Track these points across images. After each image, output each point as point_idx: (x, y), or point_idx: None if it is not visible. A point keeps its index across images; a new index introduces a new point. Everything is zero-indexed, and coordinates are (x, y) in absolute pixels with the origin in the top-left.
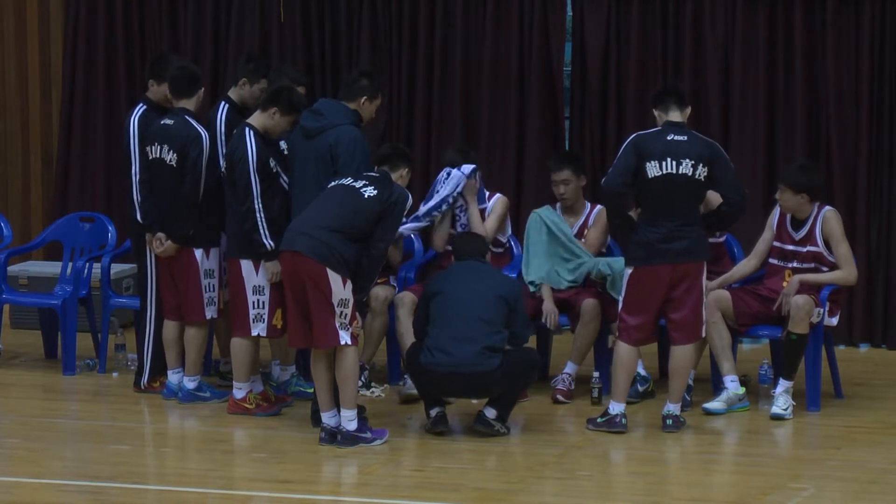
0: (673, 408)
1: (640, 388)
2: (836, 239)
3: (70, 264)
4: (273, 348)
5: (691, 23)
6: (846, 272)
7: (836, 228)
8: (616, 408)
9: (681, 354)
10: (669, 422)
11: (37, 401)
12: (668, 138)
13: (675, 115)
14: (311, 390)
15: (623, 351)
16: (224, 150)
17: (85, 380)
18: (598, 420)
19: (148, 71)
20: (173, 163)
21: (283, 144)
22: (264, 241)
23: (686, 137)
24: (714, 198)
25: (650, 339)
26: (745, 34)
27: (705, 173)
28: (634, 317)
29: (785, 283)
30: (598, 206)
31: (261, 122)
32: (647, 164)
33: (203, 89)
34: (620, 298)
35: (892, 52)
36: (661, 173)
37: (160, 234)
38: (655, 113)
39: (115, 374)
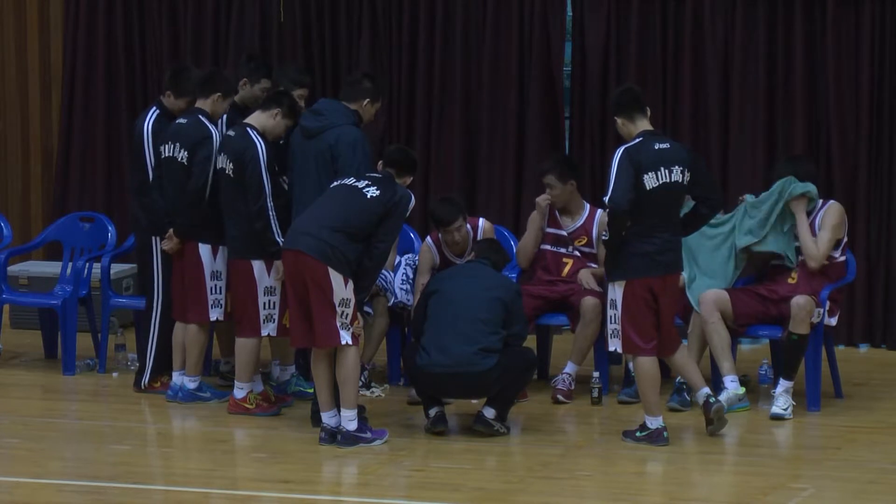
0: (705, 391)
1: (638, 390)
2: (825, 225)
3: (70, 264)
4: (273, 348)
5: (691, 23)
6: (814, 253)
7: (831, 218)
8: (655, 422)
9: (678, 360)
10: (712, 399)
11: (37, 401)
12: (656, 147)
13: (646, 123)
14: (311, 390)
15: (646, 364)
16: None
17: (85, 380)
18: (638, 434)
19: (167, 81)
20: (184, 160)
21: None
22: (277, 238)
23: (669, 144)
24: None
25: (657, 342)
26: (745, 34)
27: (688, 177)
28: (642, 329)
29: (791, 280)
30: (600, 211)
31: (260, 122)
32: (645, 175)
33: (219, 94)
34: (616, 314)
35: (892, 52)
36: (658, 184)
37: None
38: (619, 121)
39: (115, 374)
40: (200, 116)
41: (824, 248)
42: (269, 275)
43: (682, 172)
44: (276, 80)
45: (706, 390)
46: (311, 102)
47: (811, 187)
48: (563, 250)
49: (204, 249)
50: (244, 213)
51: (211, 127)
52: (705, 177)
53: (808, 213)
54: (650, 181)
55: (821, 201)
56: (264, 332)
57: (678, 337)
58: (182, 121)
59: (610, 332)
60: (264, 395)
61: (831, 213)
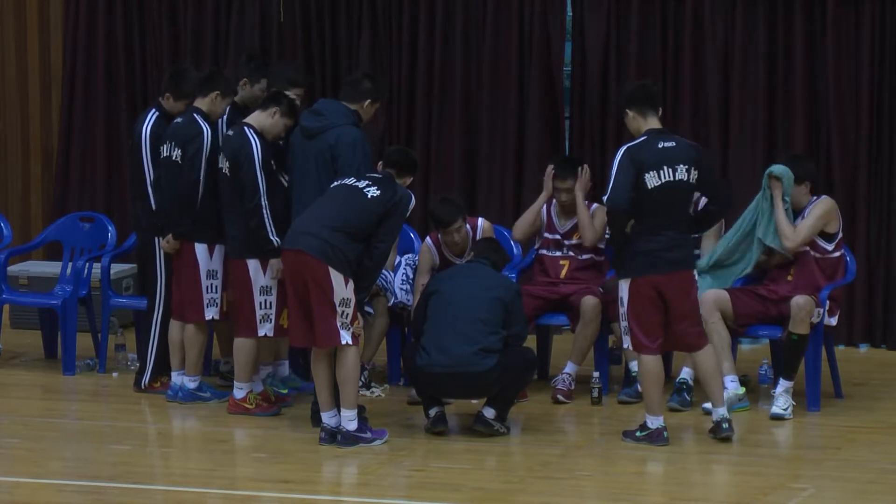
0: (722, 411)
1: (640, 388)
2: (810, 214)
3: (70, 264)
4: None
5: (691, 23)
6: (787, 232)
7: (818, 209)
8: (656, 422)
9: (705, 358)
10: (726, 426)
11: (37, 401)
12: (660, 146)
13: (655, 121)
14: (285, 391)
15: (650, 363)
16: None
17: (85, 380)
18: (638, 434)
19: (166, 83)
20: (178, 159)
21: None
22: (271, 237)
23: (674, 143)
24: None
25: (662, 341)
26: (745, 34)
27: (696, 176)
28: (648, 328)
29: (790, 277)
30: (596, 205)
31: (259, 121)
32: (646, 174)
33: (217, 92)
34: (624, 311)
35: (892, 52)
36: (660, 182)
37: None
38: (630, 113)
39: (115, 374)
40: (195, 115)
41: (803, 232)
42: (264, 274)
43: (688, 171)
44: (272, 80)
45: (724, 412)
46: (310, 102)
47: (777, 167)
48: (558, 253)
49: (200, 248)
50: (240, 213)
51: (204, 124)
52: (712, 174)
53: (804, 206)
54: (652, 180)
55: (815, 197)
56: (261, 332)
57: (702, 336)
58: (178, 120)
59: (622, 329)
60: (264, 395)
61: (820, 204)
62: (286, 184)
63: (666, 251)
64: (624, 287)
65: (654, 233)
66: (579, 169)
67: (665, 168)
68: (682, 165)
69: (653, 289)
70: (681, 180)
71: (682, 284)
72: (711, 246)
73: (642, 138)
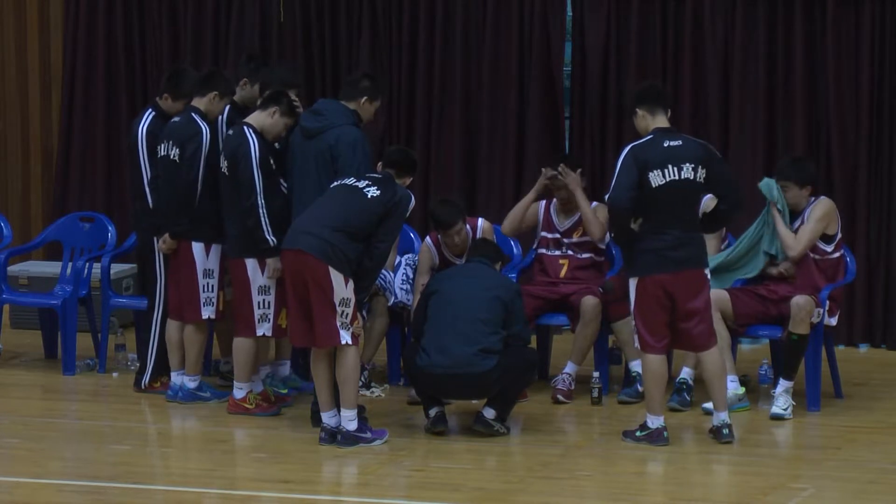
0: (724, 416)
1: (640, 388)
2: (810, 218)
3: (70, 264)
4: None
5: (691, 23)
6: (790, 242)
7: (817, 211)
8: (656, 421)
9: (711, 360)
10: (726, 431)
11: (37, 401)
12: (665, 145)
13: (663, 120)
14: (285, 391)
15: (655, 363)
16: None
17: (85, 380)
18: (638, 434)
19: (164, 83)
20: (176, 158)
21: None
22: (267, 237)
23: (681, 142)
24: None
25: (668, 341)
26: (745, 34)
27: (704, 175)
28: (654, 327)
29: (792, 279)
30: (595, 203)
31: (259, 121)
32: (650, 173)
33: (216, 93)
34: (632, 310)
35: (892, 52)
36: (664, 181)
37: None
38: (639, 112)
39: (115, 374)
40: (193, 114)
41: (805, 238)
42: (262, 273)
43: (695, 170)
44: (267, 80)
45: (725, 417)
46: (310, 102)
47: (762, 183)
48: (557, 252)
49: (197, 247)
50: (238, 212)
51: (202, 124)
52: (722, 174)
53: (800, 210)
54: (656, 179)
55: (813, 198)
56: (259, 332)
57: (711, 336)
58: (176, 119)
59: (633, 329)
60: (264, 395)
61: (819, 206)
62: (285, 190)
63: (671, 250)
64: (632, 286)
65: (659, 232)
66: (561, 166)
67: (670, 167)
68: (688, 164)
69: (660, 288)
70: (687, 179)
71: (690, 284)
72: (714, 248)
73: (648, 137)
